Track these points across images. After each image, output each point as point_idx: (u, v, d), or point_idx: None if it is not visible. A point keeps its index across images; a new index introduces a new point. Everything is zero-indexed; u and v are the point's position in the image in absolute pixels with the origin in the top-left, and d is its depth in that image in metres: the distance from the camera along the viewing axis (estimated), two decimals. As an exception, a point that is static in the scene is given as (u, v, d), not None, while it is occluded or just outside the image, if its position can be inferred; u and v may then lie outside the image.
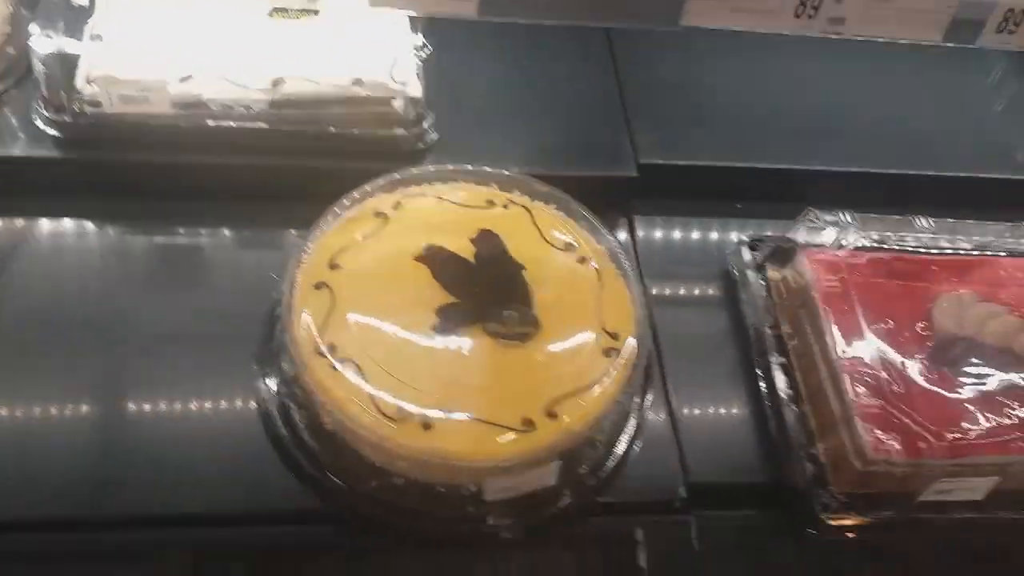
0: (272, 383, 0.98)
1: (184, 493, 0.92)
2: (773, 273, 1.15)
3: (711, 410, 1.04)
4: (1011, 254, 1.15)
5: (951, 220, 1.15)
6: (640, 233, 1.20)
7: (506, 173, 1.07)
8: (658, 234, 1.21)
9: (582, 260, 1.04)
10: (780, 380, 1.03)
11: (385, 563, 0.91)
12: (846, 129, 1.29)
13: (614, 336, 0.97)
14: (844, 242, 1.06)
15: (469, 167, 1.09)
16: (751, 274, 1.12)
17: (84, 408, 0.97)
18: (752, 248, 1.16)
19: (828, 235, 1.06)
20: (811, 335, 1.05)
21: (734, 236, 1.19)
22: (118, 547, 0.89)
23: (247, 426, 0.97)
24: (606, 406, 0.92)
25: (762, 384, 1.03)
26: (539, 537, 0.91)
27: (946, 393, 0.97)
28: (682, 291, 1.17)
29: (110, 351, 1.01)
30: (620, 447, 0.98)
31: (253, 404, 0.98)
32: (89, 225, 1.11)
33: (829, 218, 1.06)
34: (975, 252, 1.15)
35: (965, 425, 0.93)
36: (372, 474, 0.91)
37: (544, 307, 0.98)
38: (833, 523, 0.92)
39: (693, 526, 0.95)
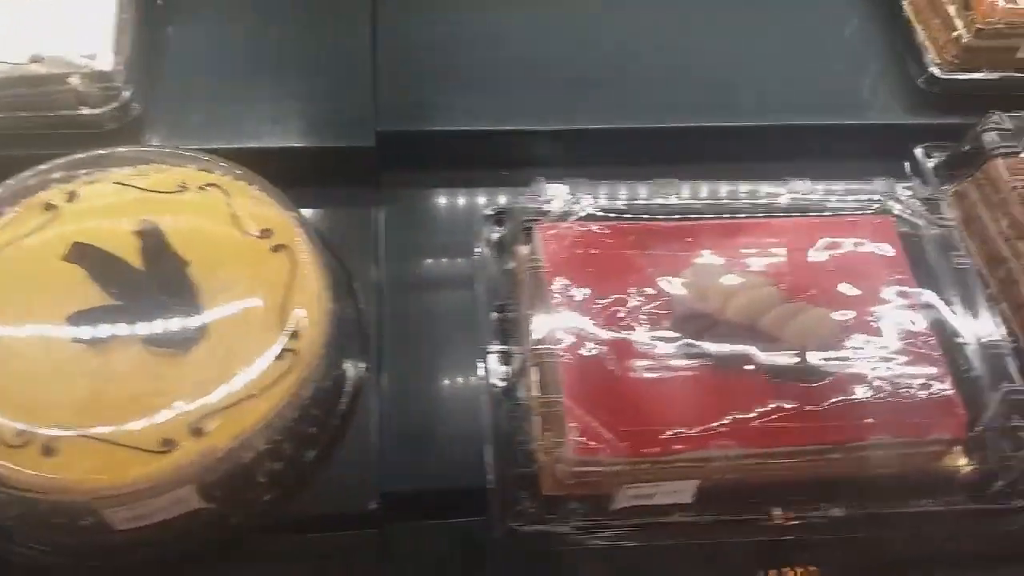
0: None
1: None
2: (521, 248, 1.05)
3: (428, 407, 0.95)
4: (787, 213, 1.04)
5: (722, 181, 1.05)
6: (387, 209, 1.09)
7: (186, 153, 0.95)
8: (408, 209, 1.10)
9: (278, 248, 0.94)
10: (498, 371, 0.94)
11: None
12: (623, 82, 1.16)
13: (295, 336, 0.88)
14: (575, 212, 0.95)
15: (156, 148, 0.99)
16: (487, 252, 1.01)
17: None
18: (498, 223, 1.06)
19: (556, 204, 0.95)
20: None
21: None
22: None
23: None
24: (269, 417, 0.82)
25: (481, 375, 0.95)
26: (197, 564, 0.84)
27: (659, 382, 0.86)
28: (427, 273, 1.07)
29: None
30: (310, 455, 0.90)
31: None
32: None
33: (555, 187, 0.95)
34: (746, 214, 1.03)
35: (666, 419, 0.82)
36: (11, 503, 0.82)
37: (218, 306, 0.88)
38: (528, 531, 0.83)
39: (394, 540, 0.88)
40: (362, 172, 1.10)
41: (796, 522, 0.87)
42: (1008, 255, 1.09)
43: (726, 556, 0.92)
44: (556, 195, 0.95)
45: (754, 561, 0.93)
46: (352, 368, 0.96)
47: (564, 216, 0.94)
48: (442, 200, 1.12)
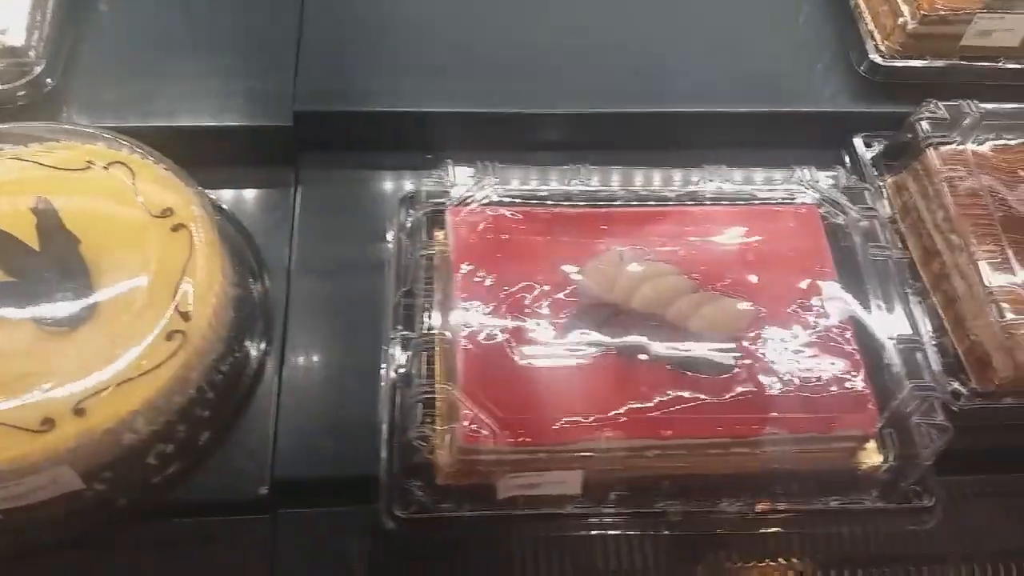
0: None
1: None
2: (439, 233, 1.03)
3: (328, 392, 0.93)
4: (709, 201, 1.02)
5: (647, 168, 1.02)
6: (303, 191, 1.07)
7: (94, 131, 0.94)
8: (325, 192, 1.07)
9: (177, 228, 0.92)
10: (398, 357, 0.92)
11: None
12: (554, 66, 1.12)
13: (185, 317, 0.86)
14: (481, 197, 0.93)
15: (66, 125, 0.97)
16: (400, 236, 0.99)
17: None
18: (412, 207, 1.03)
19: (462, 189, 0.93)
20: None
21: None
22: None
23: None
24: (153, 398, 0.81)
25: (383, 366, 0.93)
26: (83, 545, 0.83)
27: (555, 371, 0.84)
28: (339, 257, 1.03)
29: None
30: (204, 438, 0.88)
31: None
32: None
33: (462, 171, 0.93)
34: (667, 202, 1.01)
35: (557, 409, 0.80)
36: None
37: (108, 286, 0.86)
38: (419, 519, 0.81)
39: (283, 526, 0.86)
40: (280, 152, 1.08)
41: (696, 517, 0.86)
42: (942, 248, 1.06)
43: (630, 549, 0.91)
44: (463, 179, 0.94)
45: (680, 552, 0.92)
46: (255, 351, 0.96)
47: (467, 201, 0.93)
48: (361, 183, 1.09)
